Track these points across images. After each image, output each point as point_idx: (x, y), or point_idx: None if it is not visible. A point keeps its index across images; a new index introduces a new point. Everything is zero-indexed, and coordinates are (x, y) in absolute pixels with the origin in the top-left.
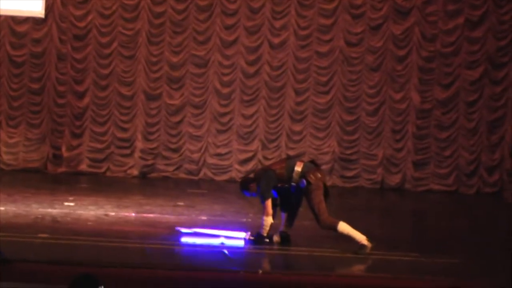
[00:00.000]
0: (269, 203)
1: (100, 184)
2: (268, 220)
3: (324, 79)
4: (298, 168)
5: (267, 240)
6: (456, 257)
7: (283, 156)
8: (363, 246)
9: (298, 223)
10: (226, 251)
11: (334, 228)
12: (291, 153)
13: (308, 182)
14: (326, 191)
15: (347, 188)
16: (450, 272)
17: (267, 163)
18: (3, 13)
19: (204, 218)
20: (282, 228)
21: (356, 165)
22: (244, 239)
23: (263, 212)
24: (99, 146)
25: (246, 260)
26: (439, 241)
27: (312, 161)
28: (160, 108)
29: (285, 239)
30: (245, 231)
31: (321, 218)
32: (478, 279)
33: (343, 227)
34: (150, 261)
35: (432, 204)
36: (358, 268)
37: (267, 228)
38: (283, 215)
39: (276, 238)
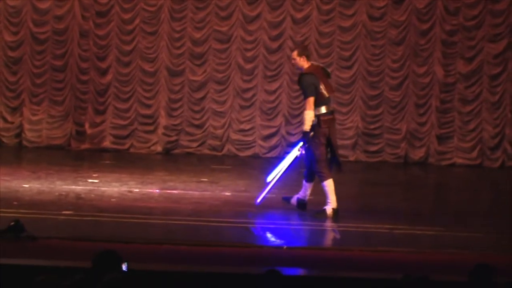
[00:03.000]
0: (311, 99)
1: (123, 161)
2: (309, 114)
3: (347, 53)
4: (326, 109)
5: (312, 133)
6: (480, 231)
7: None
8: (323, 211)
9: (320, 199)
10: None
11: (321, 179)
12: None
13: (318, 124)
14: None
15: (371, 163)
16: (474, 246)
17: (291, 138)
18: None
19: (228, 194)
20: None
21: (379, 140)
22: (300, 154)
23: (305, 107)
24: (122, 122)
25: (271, 235)
26: (463, 215)
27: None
28: (183, 84)
29: (303, 206)
30: (296, 145)
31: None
32: (502, 253)
33: (330, 184)
34: (173, 237)
35: (456, 178)
36: (381, 242)
37: (309, 123)
38: (306, 185)
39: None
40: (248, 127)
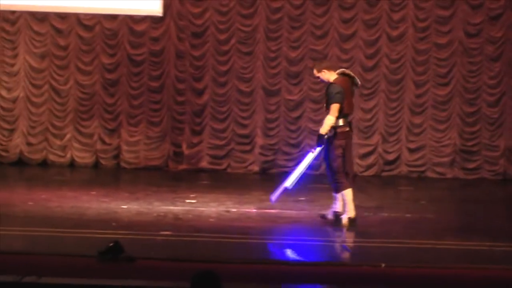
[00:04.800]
0: (337, 106)
1: (221, 181)
2: (330, 119)
3: (444, 70)
4: (343, 121)
5: (327, 136)
6: None
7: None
8: (340, 219)
9: (420, 216)
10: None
11: (340, 189)
12: (412, 146)
13: (335, 135)
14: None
15: (469, 180)
16: None
17: (387, 156)
18: (122, 12)
19: (325, 212)
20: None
21: (477, 157)
22: (317, 157)
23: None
24: (219, 142)
25: (367, 253)
26: None
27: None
28: (279, 103)
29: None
30: (310, 151)
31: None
32: None
33: (349, 193)
34: (271, 256)
35: None
36: (482, 260)
37: (327, 127)
38: (336, 196)
39: (344, 221)
40: None
